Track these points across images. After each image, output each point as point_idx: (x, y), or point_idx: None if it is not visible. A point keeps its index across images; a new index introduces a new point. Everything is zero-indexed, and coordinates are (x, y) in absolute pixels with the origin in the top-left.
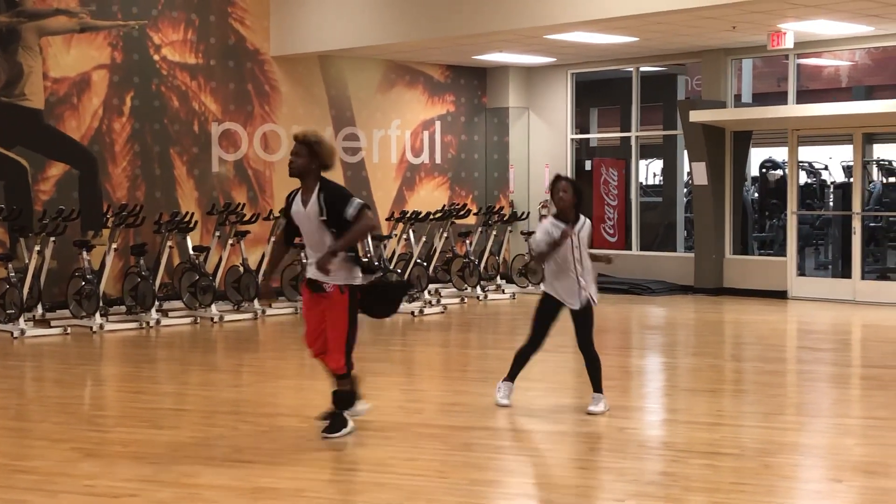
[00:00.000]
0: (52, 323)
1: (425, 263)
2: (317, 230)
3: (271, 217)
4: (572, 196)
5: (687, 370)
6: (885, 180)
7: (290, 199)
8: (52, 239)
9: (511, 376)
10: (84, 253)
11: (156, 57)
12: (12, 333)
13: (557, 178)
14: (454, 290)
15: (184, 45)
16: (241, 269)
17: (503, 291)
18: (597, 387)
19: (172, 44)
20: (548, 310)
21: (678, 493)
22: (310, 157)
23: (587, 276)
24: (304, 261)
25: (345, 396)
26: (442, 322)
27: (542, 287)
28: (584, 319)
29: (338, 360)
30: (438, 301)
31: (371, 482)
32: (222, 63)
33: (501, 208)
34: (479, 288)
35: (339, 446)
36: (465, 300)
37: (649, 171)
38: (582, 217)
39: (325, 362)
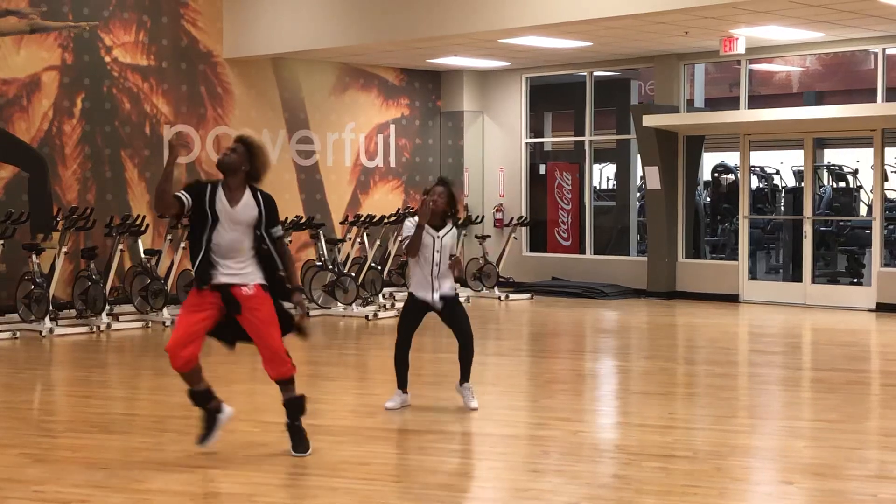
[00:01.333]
0: (1, 327)
1: (379, 267)
2: (242, 232)
3: None
4: (445, 203)
5: (639, 374)
6: (835, 185)
7: (208, 188)
8: (1, 242)
9: (401, 383)
10: (33, 256)
11: (107, 58)
12: None
13: (437, 182)
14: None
15: (135, 47)
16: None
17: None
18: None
19: (124, 45)
20: (410, 310)
21: (631, 495)
22: (245, 157)
23: (442, 278)
24: (212, 263)
25: (299, 402)
26: (396, 326)
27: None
28: (450, 313)
29: (286, 361)
30: (393, 305)
31: (324, 486)
32: (174, 65)
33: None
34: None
35: (290, 451)
36: None
37: (603, 175)
38: (449, 224)
39: (275, 364)
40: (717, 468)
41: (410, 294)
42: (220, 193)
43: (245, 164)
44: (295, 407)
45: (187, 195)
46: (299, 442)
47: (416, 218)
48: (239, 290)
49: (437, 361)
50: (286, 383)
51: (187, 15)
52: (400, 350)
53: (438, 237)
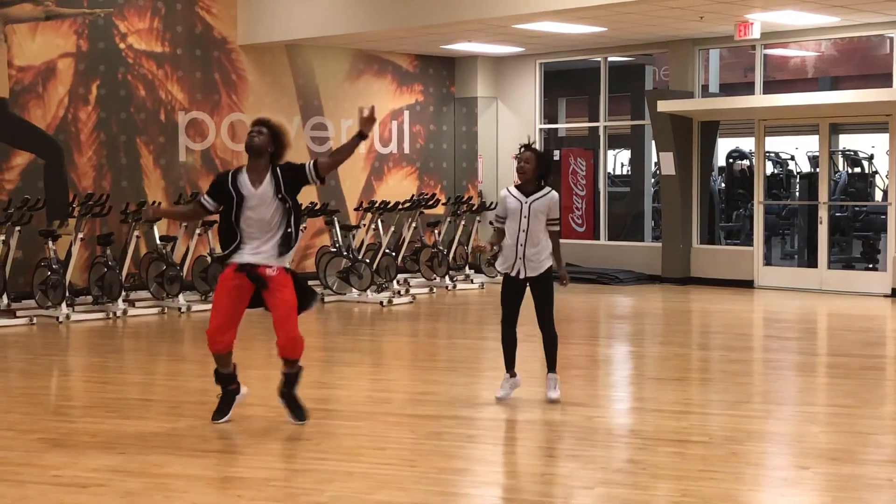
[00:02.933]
0: (18, 313)
1: (394, 253)
2: (266, 210)
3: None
4: (534, 167)
5: (654, 359)
6: (850, 170)
7: (228, 177)
8: (18, 228)
9: (509, 365)
10: (50, 243)
11: (122, 45)
12: None
13: (523, 148)
14: (423, 279)
15: (150, 34)
16: (209, 259)
17: (472, 281)
18: (553, 366)
19: (139, 32)
20: (504, 286)
21: (646, 480)
22: (270, 139)
23: (531, 248)
24: (240, 245)
25: (298, 374)
26: (411, 312)
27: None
28: (538, 292)
29: (299, 344)
30: (407, 291)
31: (340, 471)
32: (189, 52)
33: (470, 198)
34: (447, 278)
35: (309, 435)
36: (434, 290)
37: (617, 161)
38: (545, 189)
39: (288, 349)
40: (732, 453)
41: (505, 274)
42: (244, 177)
43: (270, 146)
44: (295, 378)
45: (210, 200)
46: (299, 409)
47: (510, 192)
48: (263, 271)
49: (452, 347)
50: (294, 361)
51: (202, 2)
52: (504, 329)
53: (526, 202)
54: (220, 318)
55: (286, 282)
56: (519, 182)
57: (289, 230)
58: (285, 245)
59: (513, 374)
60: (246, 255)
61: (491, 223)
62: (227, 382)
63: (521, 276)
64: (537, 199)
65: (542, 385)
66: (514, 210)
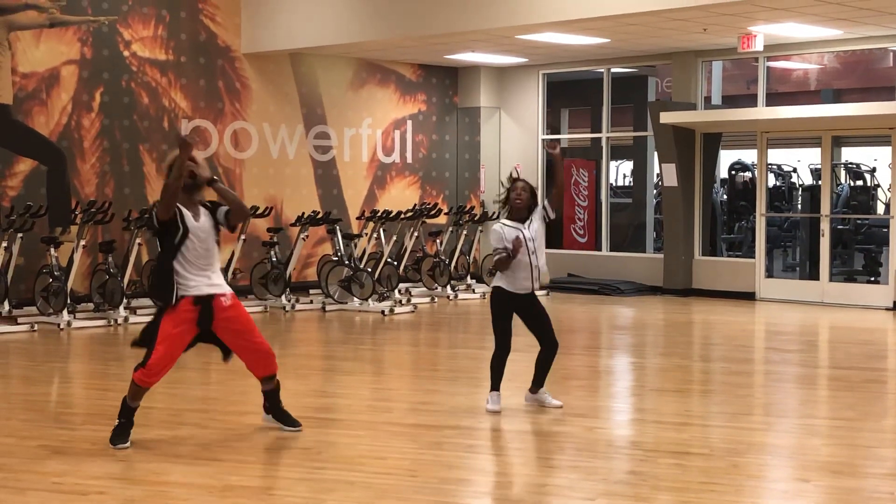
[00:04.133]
0: (19, 320)
1: (395, 263)
2: (211, 240)
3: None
4: (529, 196)
5: (655, 370)
6: (852, 183)
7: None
8: (20, 235)
9: (495, 385)
10: (52, 249)
11: (126, 53)
12: None
13: (515, 180)
14: (424, 289)
15: (154, 42)
16: None
17: (473, 291)
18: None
19: (143, 40)
20: (507, 305)
21: (647, 492)
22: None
23: (541, 261)
24: (192, 280)
25: (279, 387)
26: (412, 321)
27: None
28: (537, 305)
29: (272, 356)
30: (409, 300)
31: (341, 480)
32: (193, 60)
33: (472, 208)
34: (449, 287)
35: (309, 444)
36: (436, 299)
37: (619, 172)
38: (532, 215)
39: (265, 369)
40: (733, 465)
41: (499, 289)
42: (183, 209)
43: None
44: (278, 391)
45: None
46: (291, 418)
47: (505, 224)
48: (220, 301)
49: (454, 357)
50: (272, 377)
51: (206, 10)
52: (505, 348)
53: (525, 228)
54: (169, 350)
55: (240, 306)
56: (511, 213)
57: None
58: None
59: (498, 390)
60: (203, 287)
61: (496, 250)
62: (132, 415)
63: (531, 290)
64: (531, 221)
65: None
66: (515, 235)
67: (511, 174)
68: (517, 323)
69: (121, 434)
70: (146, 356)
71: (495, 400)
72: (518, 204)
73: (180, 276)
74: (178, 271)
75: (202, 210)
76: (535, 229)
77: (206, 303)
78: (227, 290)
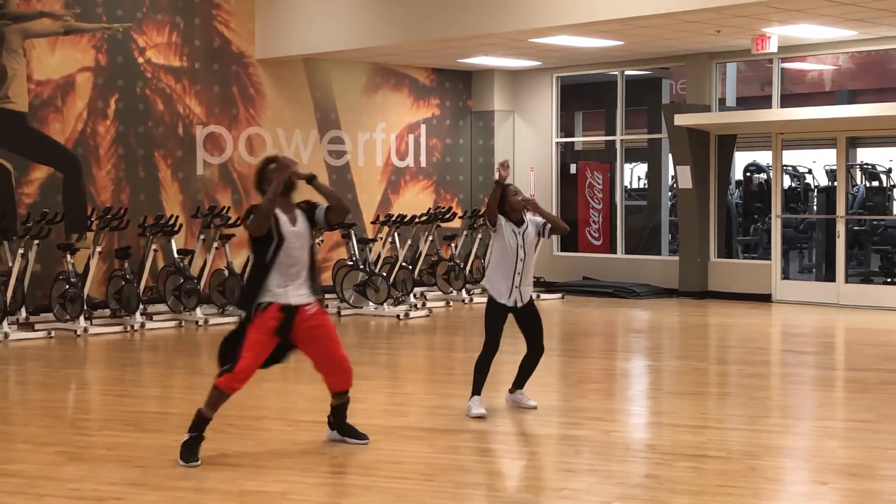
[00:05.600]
0: (36, 326)
1: (410, 267)
2: (302, 248)
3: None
4: (522, 198)
5: (671, 373)
6: (868, 184)
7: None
8: (36, 242)
9: (478, 389)
10: (68, 256)
11: (140, 60)
12: None
13: (507, 185)
14: (439, 293)
15: (168, 48)
16: (226, 272)
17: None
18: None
19: (157, 46)
20: (497, 312)
21: (664, 495)
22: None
23: (526, 279)
24: (280, 287)
25: (348, 403)
26: (427, 325)
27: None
28: (531, 312)
29: (350, 370)
30: (424, 304)
31: (357, 485)
32: (207, 66)
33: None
34: (464, 291)
35: (325, 449)
36: (451, 303)
37: (634, 174)
38: (525, 217)
39: (341, 383)
40: (750, 468)
41: (491, 298)
42: (279, 213)
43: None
44: (346, 407)
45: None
46: (358, 431)
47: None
48: (305, 310)
49: (469, 361)
50: (345, 393)
51: (220, 16)
52: (491, 354)
53: (520, 232)
54: (254, 359)
55: (325, 315)
56: (509, 214)
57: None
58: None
59: (480, 394)
60: (293, 296)
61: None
62: (203, 428)
63: (518, 304)
64: (527, 227)
65: (558, 399)
66: (509, 238)
67: (500, 176)
68: (511, 325)
69: (192, 449)
70: (232, 362)
71: (478, 404)
72: (516, 211)
73: (269, 283)
74: (269, 279)
75: (298, 212)
76: (529, 236)
77: (290, 312)
78: (312, 297)
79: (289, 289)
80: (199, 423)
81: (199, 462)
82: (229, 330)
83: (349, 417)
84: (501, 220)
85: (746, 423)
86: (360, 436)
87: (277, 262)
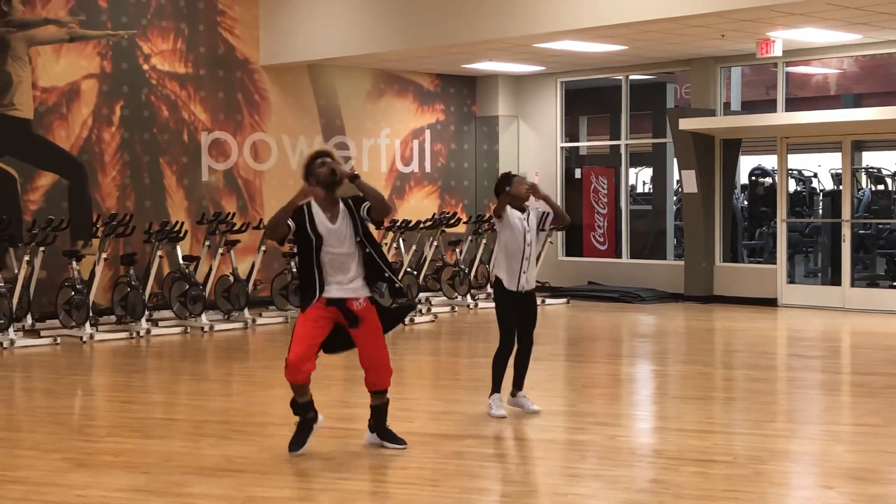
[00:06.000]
0: (42, 333)
1: (415, 272)
2: (348, 246)
3: (261, 226)
4: (524, 189)
5: (677, 378)
6: (873, 188)
7: (304, 211)
8: (42, 249)
9: (497, 387)
10: (73, 263)
11: (145, 66)
12: (1, 344)
13: (510, 175)
14: (444, 298)
15: (173, 55)
16: (231, 278)
17: (493, 300)
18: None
19: (162, 53)
20: (508, 301)
21: (670, 500)
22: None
23: (532, 265)
24: (326, 283)
25: (387, 405)
26: (432, 331)
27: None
28: (530, 306)
29: (389, 371)
30: (429, 310)
31: (362, 491)
32: (212, 72)
33: (491, 217)
34: (469, 296)
35: (331, 455)
36: (456, 309)
37: (639, 179)
38: (528, 207)
39: (377, 383)
40: (756, 473)
41: (500, 282)
42: (317, 212)
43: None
44: (385, 409)
45: (291, 220)
46: (395, 436)
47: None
48: (352, 304)
49: (475, 366)
50: (383, 393)
51: (224, 23)
52: (509, 346)
53: (524, 217)
54: (301, 346)
55: (372, 311)
56: (514, 203)
57: (367, 251)
58: (366, 271)
59: (499, 391)
60: (333, 290)
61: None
62: (306, 411)
63: (523, 290)
64: (528, 214)
65: (563, 404)
66: (516, 224)
67: (510, 173)
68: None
69: (296, 440)
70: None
71: (499, 404)
72: (519, 191)
73: (315, 279)
74: (314, 275)
75: (342, 209)
76: (532, 223)
77: (339, 305)
78: (361, 294)
79: (332, 285)
80: (298, 408)
81: (304, 450)
82: None
83: (389, 423)
84: (507, 209)
85: (752, 428)
86: (398, 441)
87: (320, 260)
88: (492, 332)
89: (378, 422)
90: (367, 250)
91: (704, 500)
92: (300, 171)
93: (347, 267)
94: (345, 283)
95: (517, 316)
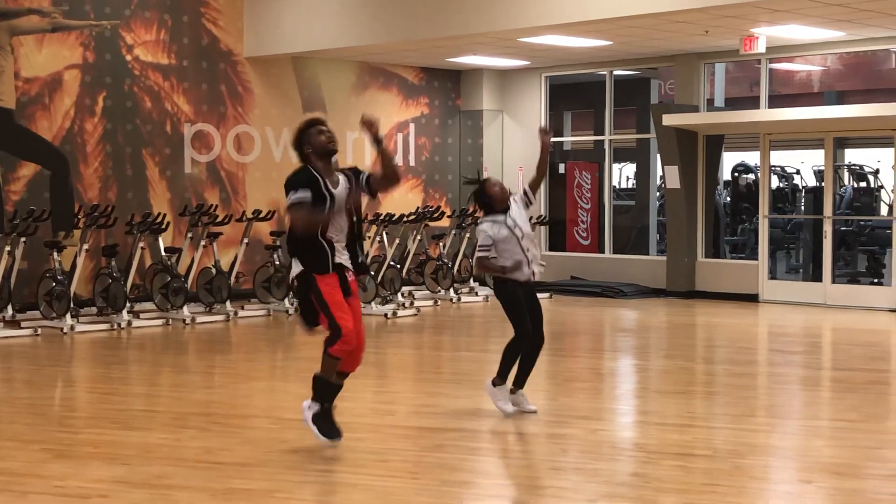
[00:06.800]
0: (23, 324)
1: (399, 266)
2: (344, 213)
3: (244, 218)
4: (501, 189)
5: (658, 373)
6: (855, 185)
7: (315, 178)
8: (23, 239)
9: (503, 375)
10: (55, 254)
11: (128, 57)
12: None
13: (485, 180)
14: (427, 292)
15: (156, 46)
16: (214, 270)
17: (476, 294)
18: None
19: (145, 44)
20: (518, 293)
21: (650, 493)
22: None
23: (533, 247)
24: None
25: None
26: (415, 324)
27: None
28: (534, 296)
29: (356, 362)
30: (412, 303)
31: (343, 483)
32: (195, 64)
33: (475, 211)
34: (452, 290)
35: (312, 447)
36: (439, 302)
37: (622, 174)
38: (510, 200)
39: (357, 361)
40: (736, 467)
41: (508, 280)
42: (321, 178)
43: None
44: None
45: (309, 187)
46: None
47: (490, 220)
48: (347, 273)
49: (457, 359)
50: (345, 375)
51: (208, 14)
52: (527, 336)
53: (509, 217)
54: (349, 314)
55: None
56: (492, 206)
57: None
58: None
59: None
60: (338, 257)
61: (480, 248)
62: (334, 396)
63: (534, 277)
64: (510, 209)
65: (545, 398)
66: (502, 229)
67: (478, 172)
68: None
69: (329, 422)
70: (334, 329)
71: (507, 398)
72: (496, 194)
73: (325, 244)
74: (323, 239)
75: (341, 178)
76: (517, 215)
77: (339, 272)
78: (350, 266)
79: (337, 250)
80: (324, 391)
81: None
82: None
83: (337, 415)
84: (486, 228)
85: (732, 422)
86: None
87: (332, 222)
88: (474, 325)
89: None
90: (354, 219)
91: (684, 493)
92: (292, 139)
93: (343, 236)
94: (340, 250)
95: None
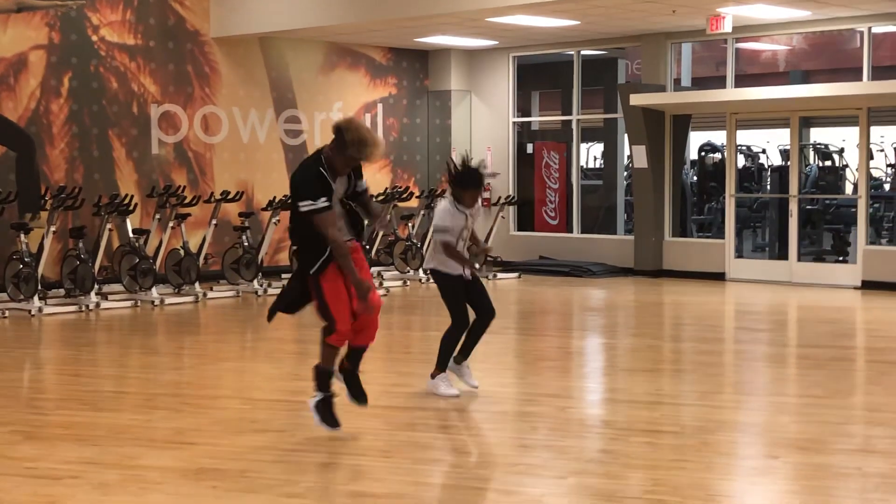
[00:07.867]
0: None
1: (367, 246)
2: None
3: (212, 199)
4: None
5: (627, 351)
6: (821, 164)
7: (323, 173)
8: None
9: (443, 364)
10: (22, 236)
11: (94, 37)
12: None
13: (481, 176)
14: (397, 272)
15: (122, 26)
16: (182, 251)
17: None
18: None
19: (111, 24)
20: (460, 286)
21: (618, 469)
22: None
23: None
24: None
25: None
26: (384, 305)
27: (434, 266)
28: (475, 279)
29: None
30: (381, 284)
31: (315, 462)
32: (162, 44)
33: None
34: (421, 271)
35: (283, 427)
36: (408, 283)
37: (590, 154)
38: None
39: (372, 335)
40: (703, 443)
41: (448, 274)
42: (327, 175)
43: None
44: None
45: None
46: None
47: (456, 206)
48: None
49: (426, 339)
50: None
51: None
52: (465, 323)
53: (470, 214)
54: (346, 309)
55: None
56: (462, 200)
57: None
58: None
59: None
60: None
61: (452, 244)
62: (330, 382)
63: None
64: (474, 210)
65: (514, 377)
66: (459, 222)
67: (465, 157)
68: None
69: (330, 411)
70: (330, 322)
71: (448, 382)
72: (475, 197)
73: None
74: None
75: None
76: (470, 220)
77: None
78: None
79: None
80: (324, 380)
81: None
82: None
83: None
84: (448, 207)
85: (700, 399)
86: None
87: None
88: (443, 305)
89: (353, 367)
90: (348, 207)
91: (652, 469)
92: (337, 139)
93: (342, 220)
94: (343, 235)
95: (466, 294)
